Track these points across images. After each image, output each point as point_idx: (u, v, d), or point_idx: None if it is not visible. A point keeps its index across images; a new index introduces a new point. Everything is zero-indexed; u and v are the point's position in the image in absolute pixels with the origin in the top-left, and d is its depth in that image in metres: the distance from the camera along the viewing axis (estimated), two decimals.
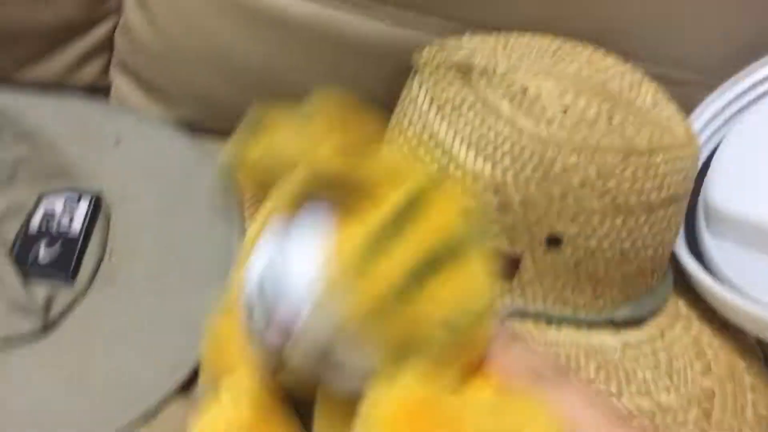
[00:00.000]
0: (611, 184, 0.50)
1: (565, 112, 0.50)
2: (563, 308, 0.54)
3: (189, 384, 0.50)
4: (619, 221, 0.51)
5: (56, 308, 0.52)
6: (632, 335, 0.55)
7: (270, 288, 0.27)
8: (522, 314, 0.53)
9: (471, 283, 0.27)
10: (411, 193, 0.27)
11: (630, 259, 0.53)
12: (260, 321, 0.27)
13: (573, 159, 0.49)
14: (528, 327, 0.53)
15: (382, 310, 0.25)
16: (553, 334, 0.53)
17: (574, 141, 0.49)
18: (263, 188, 0.34)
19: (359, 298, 0.25)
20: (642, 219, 0.51)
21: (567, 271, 0.52)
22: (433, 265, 0.26)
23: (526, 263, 0.52)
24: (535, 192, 0.50)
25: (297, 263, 0.26)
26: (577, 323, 0.54)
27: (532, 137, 0.50)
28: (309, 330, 0.26)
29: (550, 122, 0.50)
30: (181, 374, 0.50)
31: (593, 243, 0.51)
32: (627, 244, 0.52)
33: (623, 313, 0.54)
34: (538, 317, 0.54)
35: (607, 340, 0.54)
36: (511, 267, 0.53)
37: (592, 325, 0.54)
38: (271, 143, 0.34)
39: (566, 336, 0.54)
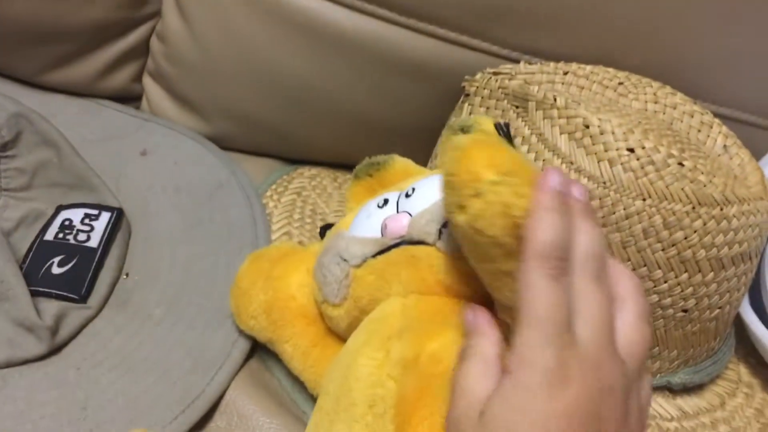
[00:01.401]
0: (678, 235, 0.45)
1: (630, 152, 0.45)
2: None
3: (202, 421, 0.46)
4: (684, 277, 0.46)
5: (65, 329, 0.48)
6: (690, 403, 0.50)
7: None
8: None
9: None
10: None
11: (693, 320, 0.48)
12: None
13: (637, 205, 0.45)
14: None
15: None
16: None
17: (639, 185, 0.45)
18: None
19: None
20: (709, 276, 0.47)
21: None
22: None
23: None
24: None
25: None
26: None
27: (593, 178, 0.45)
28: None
29: (612, 163, 0.45)
30: (194, 414, 0.46)
31: (654, 299, 0.46)
32: (691, 303, 0.47)
33: (681, 377, 0.49)
34: None
35: (662, 406, 0.49)
36: None
37: None
38: None
39: None
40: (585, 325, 0.32)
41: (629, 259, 0.45)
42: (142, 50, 0.70)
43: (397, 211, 0.43)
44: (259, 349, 0.51)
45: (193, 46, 0.66)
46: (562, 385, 0.30)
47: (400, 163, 0.50)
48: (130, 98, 0.72)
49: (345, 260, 0.43)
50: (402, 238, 0.41)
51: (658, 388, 0.50)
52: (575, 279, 0.33)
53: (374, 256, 0.42)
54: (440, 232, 0.40)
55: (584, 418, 0.30)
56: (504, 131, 0.43)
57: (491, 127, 0.43)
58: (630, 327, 0.34)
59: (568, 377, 0.30)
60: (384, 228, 0.42)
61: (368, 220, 0.44)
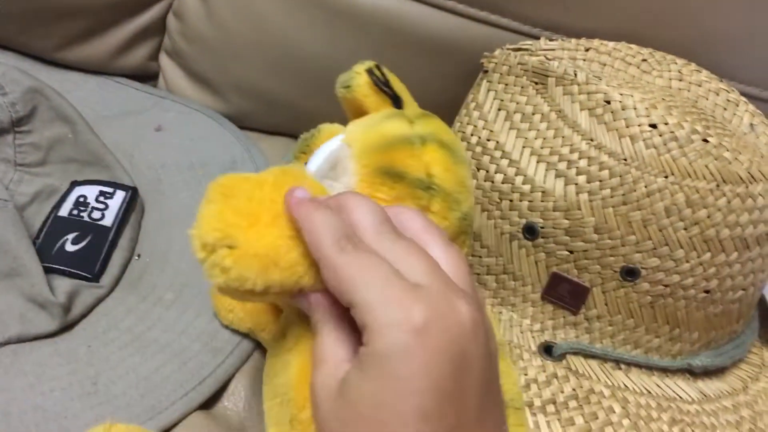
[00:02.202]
0: (701, 213, 0.44)
1: (653, 128, 0.44)
2: (634, 350, 0.48)
3: (210, 401, 0.46)
4: (706, 257, 0.45)
5: (77, 307, 0.48)
6: (711, 386, 0.49)
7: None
8: (586, 353, 0.48)
9: None
10: None
11: (715, 301, 0.47)
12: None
13: (659, 182, 0.43)
14: (592, 367, 0.47)
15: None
16: (620, 377, 0.47)
17: (661, 162, 0.43)
18: None
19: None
20: (733, 256, 0.45)
21: (641, 308, 0.46)
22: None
23: (596, 296, 0.47)
24: (613, 217, 0.44)
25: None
26: (649, 368, 0.48)
27: (613, 155, 0.44)
28: None
29: (634, 139, 0.44)
30: (204, 392, 0.45)
31: (675, 279, 0.45)
32: (713, 284, 0.46)
33: (702, 360, 0.48)
34: (604, 357, 0.48)
35: (683, 389, 0.48)
36: (577, 298, 0.47)
37: (665, 371, 0.48)
38: None
39: (636, 381, 0.48)
40: (414, 272, 0.30)
41: (650, 238, 0.44)
42: (158, 28, 0.69)
43: None
44: None
45: (209, 24, 0.65)
46: (419, 335, 0.28)
47: (326, 131, 0.47)
48: (146, 76, 0.72)
49: None
50: None
51: (678, 371, 0.48)
52: (377, 249, 0.31)
53: None
54: None
55: (452, 361, 0.28)
56: (376, 77, 0.43)
57: (365, 78, 0.44)
58: (446, 258, 0.32)
59: (425, 323, 0.28)
60: None
61: None
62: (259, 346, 0.50)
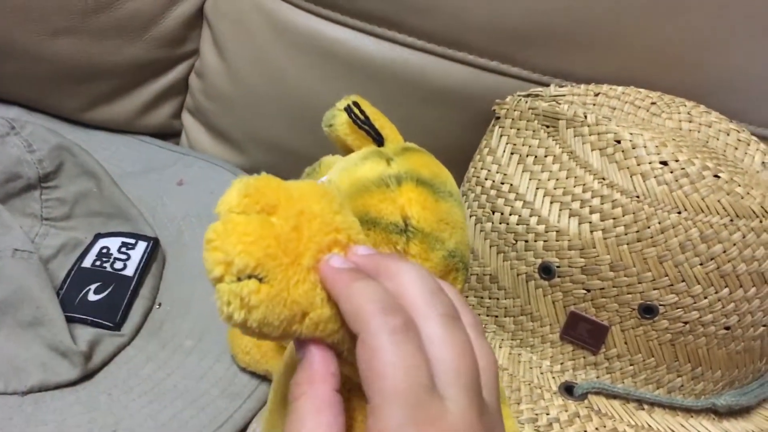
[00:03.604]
0: (717, 249, 0.44)
1: (664, 165, 0.44)
2: (656, 390, 0.47)
3: None
4: (724, 292, 0.45)
5: (98, 356, 0.49)
6: (737, 426, 0.48)
7: None
8: (608, 393, 0.47)
9: None
10: None
11: (736, 338, 0.46)
12: None
13: (672, 218, 0.44)
14: (615, 407, 0.47)
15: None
16: (644, 417, 0.47)
17: (673, 198, 0.44)
18: None
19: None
20: (751, 291, 0.45)
21: (662, 346, 0.46)
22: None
23: (615, 335, 0.46)
24: (628, 254, 0.44)
25: None
26: (673, 408, 0.47)
27: (626, 193, 0.45)
28: None
29: (646, 176, 0.44)
30: None
31: (693, 315, 0.45)
32: (733, 320, 0.45)
33: (727, 399, 0.47)
34: (626, 397, 0.47)
35: (708, 429, 0.47)
36: (596, 338, 0.47)
37: (689, 411, 0.47)
38: None
39: (660, 421, 0.47)
40: (449, 376, 0.26)
41: (667, 274, 0.44)
42: (181, 87, 0.72)
43: None
44: None
45: (229, 81, 0.67)
46: None
47: (326, 164, 0.45)
48: (170, 134, 0.74)
49: None
50: None
51: (703, 411, 0.48)
52: (427, 334, 0.27)
53: None
54: None
55: None
56: (355, 115, 0.43)
57: (346, 116, 0.43)
58: (479, 355, 0.28)
59: None
60: None
61: None
62: None
